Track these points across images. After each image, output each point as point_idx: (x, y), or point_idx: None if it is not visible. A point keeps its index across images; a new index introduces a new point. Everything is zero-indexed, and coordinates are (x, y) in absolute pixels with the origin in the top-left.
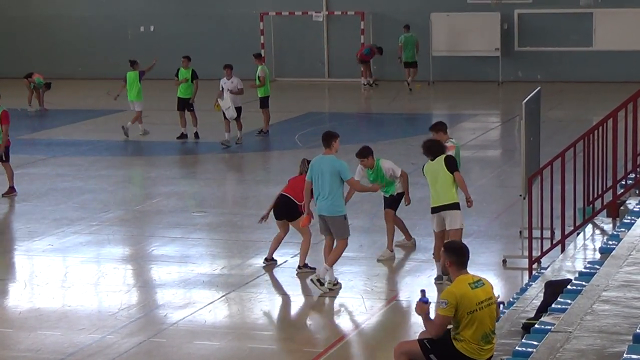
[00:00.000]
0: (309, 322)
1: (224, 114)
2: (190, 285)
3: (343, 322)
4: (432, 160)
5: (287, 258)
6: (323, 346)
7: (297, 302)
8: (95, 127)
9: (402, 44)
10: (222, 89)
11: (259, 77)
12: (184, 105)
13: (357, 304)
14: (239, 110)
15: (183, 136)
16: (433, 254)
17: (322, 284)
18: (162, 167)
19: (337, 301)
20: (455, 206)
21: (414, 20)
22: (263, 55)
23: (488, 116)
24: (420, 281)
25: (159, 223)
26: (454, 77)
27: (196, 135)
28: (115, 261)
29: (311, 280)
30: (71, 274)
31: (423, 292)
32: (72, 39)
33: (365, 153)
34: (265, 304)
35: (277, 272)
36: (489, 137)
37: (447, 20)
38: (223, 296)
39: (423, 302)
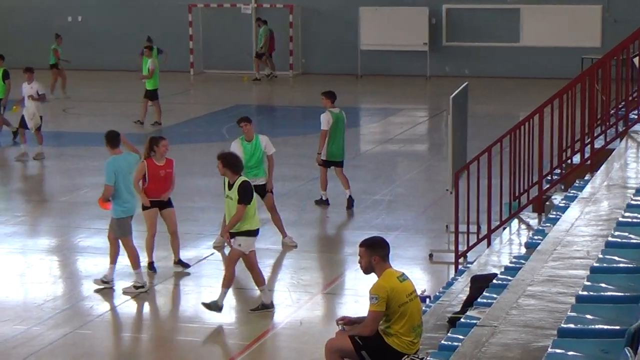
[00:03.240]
0: (235, 314)
1: (21, 122)
2: (118, 277)
3: (269, 316)
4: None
5: (214, 250)
6: (249, 339)
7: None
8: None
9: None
10: (23, 96)
11: (148, 69)
12: None
13: (284, 297)
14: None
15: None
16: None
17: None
18: (90, 158)
19: None
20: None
21: (343, 14)
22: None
23: (416, 110)
24: (347, 274)
25: (85, 214)
26: (382, 71)
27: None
28: (41, 252)
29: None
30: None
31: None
32: (1, 28)
33: (248, 119)
34: (192, 296)
35: (202, 264)
36: (417, 132)
37: (376, 14)
38: (152, 288)
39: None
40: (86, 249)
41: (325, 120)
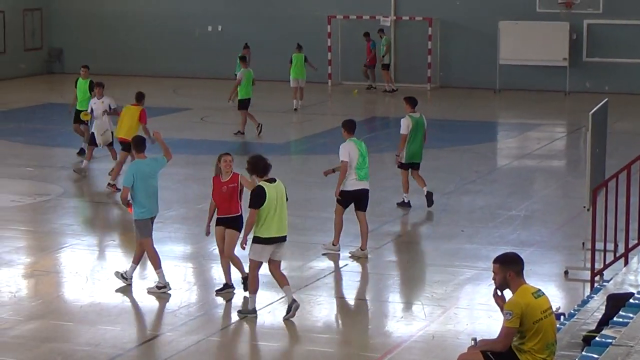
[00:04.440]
0: (367, 325)
1: (91, 139)
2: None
3: (401, 328)
4: (268, 181)
5: (348, 262)
6: (381, 351)
7: (357, 305)
8: (160, 125)
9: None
10: (92, 110)
11: (237, 79)
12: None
13: (417, 310)
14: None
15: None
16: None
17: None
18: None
19: (397, 307)
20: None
21: (482, 28)
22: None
23: (554, 126)
24: (480, 289)
25: None
26: (520, 85)
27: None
28: (176, 259)
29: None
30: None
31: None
32: (141, 36)
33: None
34: (324, 307)
35: (336, 275)
36: (554, 147)
37: (516, 28)
38: (282, 297)
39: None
40: (218, 257)
41: (405, 124)
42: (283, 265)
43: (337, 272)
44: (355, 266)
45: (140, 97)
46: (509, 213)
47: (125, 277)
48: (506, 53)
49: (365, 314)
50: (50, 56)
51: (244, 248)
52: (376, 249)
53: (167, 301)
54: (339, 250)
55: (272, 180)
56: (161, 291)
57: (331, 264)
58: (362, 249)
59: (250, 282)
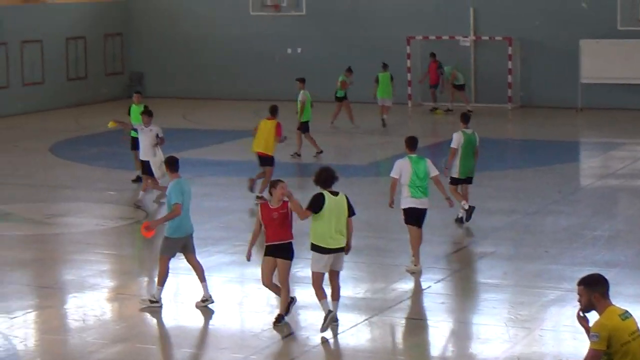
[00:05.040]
0: (451, 348)
1: (146, 168)
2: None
3: (486, 350)
4: (331, 193)
5: (431, 284)
6: None
7: (439, 328)
8: (241, 148)
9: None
10: (137, 134)
11: (300, 101)
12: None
13: (501, 332)
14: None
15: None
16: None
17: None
18: (308, 189)
19: (481, 329)
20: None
21: (563, 47)
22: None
23: (637, 145)
24: (565, 311)
25: (302, 245)
26: (602, 104)
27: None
28: (258, 282)
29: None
30: (214, 293)
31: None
32: (221, 60)
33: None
34: (407, 329)
35: (420, 297)
36: (638, 167)
37: (597, 46)
38: (365, 320)
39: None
40: (303, 279)
41: (456, 139)
42: (365, 287)
43: (420, 294)
44: (438, 288)
45: (274, 111)
46: (593, 233)
47: (154, 300)
48: (588, 71)
49: (448, 336)
50: (131, 80)
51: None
52: (459, 270)
53: (250, 324)
54: (420, 270)
55: (335, 193)
56: (151, 305)
57: (414, 286)
58: (415, 264)
59: (317, 293)
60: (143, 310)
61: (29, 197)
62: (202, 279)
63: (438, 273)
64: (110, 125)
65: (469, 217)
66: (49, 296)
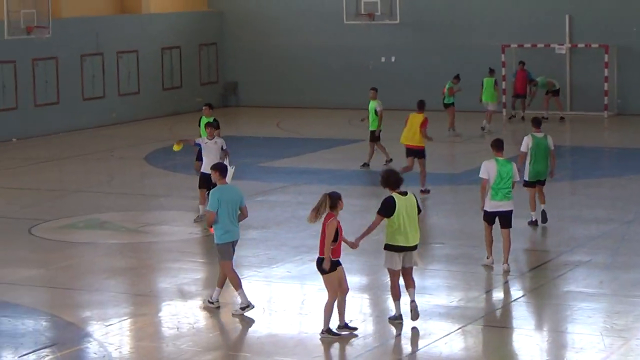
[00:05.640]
0: (545, 358)
1: (204, 182)
2: (427, 316)
3: None
4: (400, 193)
5: (525, 292)
6: None
7: (533, 337)
8: (335, 156)
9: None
10: (200, 148)
11: (376, 111)
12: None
13: (596, 341)
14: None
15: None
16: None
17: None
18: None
19: (575, 337)
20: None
21: None
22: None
23: None
24: None
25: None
26: None
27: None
28: (352, 290)
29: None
30: (308, 301)
31: None
32: (314, 69)
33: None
34: (502, 338)
35: (514, 306)
36: None
37: None
38: (459, 328)
39: None
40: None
41: (525, 143)
42: (459, 296)
43: (514, 303)
44: (532, 296)
45: (422, 105)
46: None
47: (212, 302)
48: None
49: (542, 345)
50: (225, 90)
51: (356, 247)
52: (553, 279)
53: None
54: (492, 263)
55: (404, 193)
56: (245, 311)
57: (508, 294)
58: (503, 263)
59: (392, 290)
60: (236, 317)
61: (124, 206)
62: (237, 286)
63: (532, 281)
64: (176, 148)
65: (544, 219)
66: (143, 304)
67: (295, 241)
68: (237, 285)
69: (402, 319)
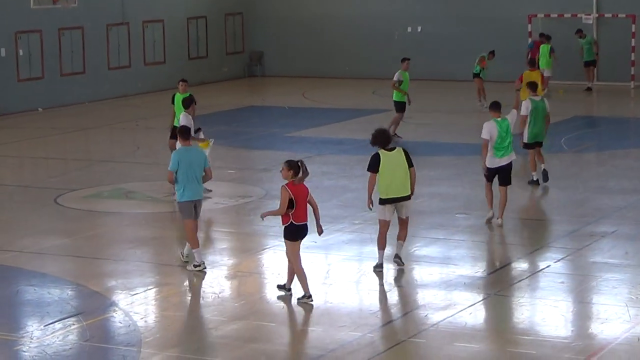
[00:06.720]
0: (570, 328)
1: None
2: (452, 286)
3: (606, 330)
4: (387, 150)
5: (550, 262)
6: (584, 354)
7: (559, 307)
8: (360, 127)
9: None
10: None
11: (400, 81)
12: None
13: (621, 312)
14: None
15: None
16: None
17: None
18: (427, 168)
19: (600, 308)
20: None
21: None
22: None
23: None
24: None
25: (421, 224)
26: None
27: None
28: (377, 260)
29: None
30: (333, 271)
31: None
32: (340, 39)
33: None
34: (526, 308)
35: (539, 276)
36: None
37: None
38: (484, 299)
39: None
40: (422, 257)
41: (525, 107)
42: (484, 266)
43: (539, 273)
44: (558, 267)
45: (533, 62)
46: None
47: (188, 261)
48: None
49: (567, 316)
50: (251, 60)
51: (370, 208)
52: (579, 249)
53: (368, 301)
54: (493, 216)
55: (392, 149)
56: (197, 269)
57: (533, 265)
58: (497, 218)
59: (378, 239)
60: (192, 273)
61: (150, 176)
62: (195, 244)
63: (558, 252)
64: (203, 146)
65: (546, 178)
66: (169, 273)
67: (321, 211)
68: (194, 244)
69: (382, 267)
